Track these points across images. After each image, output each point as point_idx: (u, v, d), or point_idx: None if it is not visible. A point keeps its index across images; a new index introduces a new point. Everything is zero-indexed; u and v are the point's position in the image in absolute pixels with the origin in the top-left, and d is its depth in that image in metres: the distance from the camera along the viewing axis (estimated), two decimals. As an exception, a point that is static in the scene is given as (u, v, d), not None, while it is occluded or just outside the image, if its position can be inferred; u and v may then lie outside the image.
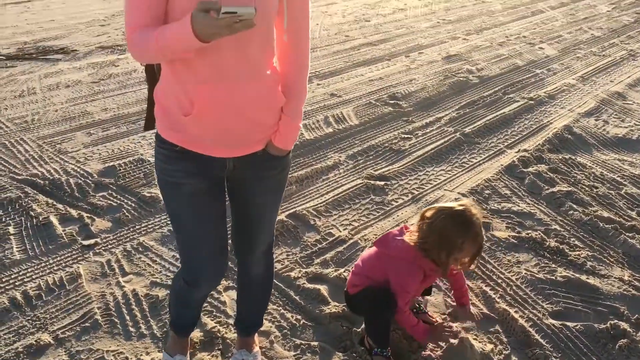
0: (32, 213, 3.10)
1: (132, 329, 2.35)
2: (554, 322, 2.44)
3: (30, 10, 8.08)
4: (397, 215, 3.23)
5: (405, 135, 4.24)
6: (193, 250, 1.85)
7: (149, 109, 1.81)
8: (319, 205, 3.28)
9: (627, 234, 3.05)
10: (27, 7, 8.31)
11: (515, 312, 2.49)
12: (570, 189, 3.49)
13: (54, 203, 3.22)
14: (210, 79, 1.56)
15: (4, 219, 3.07)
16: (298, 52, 1.71)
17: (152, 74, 1.77)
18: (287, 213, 3.18)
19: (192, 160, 1.69)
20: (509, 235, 3.03)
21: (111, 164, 3.67)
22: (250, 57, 1.58)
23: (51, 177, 3.47)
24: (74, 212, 3.12)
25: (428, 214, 2.18)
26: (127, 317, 2.41)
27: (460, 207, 2.14)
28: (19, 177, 3.47)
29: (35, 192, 3.32)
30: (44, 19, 7.56)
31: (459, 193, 3.43)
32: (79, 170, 3.57)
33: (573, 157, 3.93)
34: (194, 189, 1.73)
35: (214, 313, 2.45)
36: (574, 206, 3.31)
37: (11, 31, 6.88)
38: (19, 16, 7.73)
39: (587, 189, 3.52)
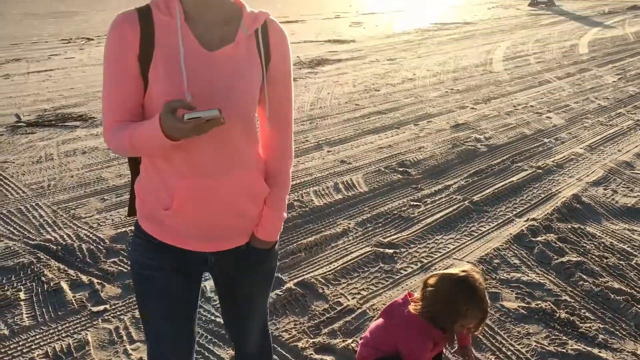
0: (43, 278, 3.13)
1: (137, 399, 2.33)
2: (566, 397, 2.39)
3: (52, 79, 8.37)
4: (406, 284, 3.22)
5: (414, 203, 4.28)
6: (157, 347, 1.70)
7: (131, 198, 1.73)
8: (327, 273, 3.28)
9: (638, 306, 3.01)
10: (49, 75, 8.62)
11: (526, 386, 2.44)
12: (580, 259, 3.48)
13: (66, 268, 3.25)
14: (191, 173, 1.51)
15: (15, 284, 3.10)
16: (281, 140, 1.66)
17: (135, 164, 1.68)
18: (295, 281, 3.18)
19: (170, 254, 1.61)
20: (518, 306, 3.00)
21: (123, 229, 3.72)
22: (232, 148, 1.53)
23: (64, 243, 3.52)
24: (84, 278, 3.15)
25: (431, 281, 2.19)
26: (133, 387, 2.40)
27: (463, 273, 2.15)
28: (33, 242, 3.53)
29: (47, 257, 3.36)
30: (64, 87, 7.83)
31: (467, 262, 3.43)
32: (91, 235, 3.62)
33: (582, 227, 3.93)
34: (168, 285, 1.63)
35: (220, 383, 2.43)
36: (584, 276, 3.29)
37: (33, 99, 7.12)
38: (41, 84, 8.01)
39: (597, 259, 3.50)
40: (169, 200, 1.54)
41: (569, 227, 3.92)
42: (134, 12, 1.46)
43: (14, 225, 3.79)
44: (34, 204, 4.13)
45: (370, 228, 3.88)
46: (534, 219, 4.01)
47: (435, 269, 3.38)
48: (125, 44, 1.44)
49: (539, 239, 3.73)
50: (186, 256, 1.61)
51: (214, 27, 1.49)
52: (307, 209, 4.13)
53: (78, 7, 19.53)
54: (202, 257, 1.64)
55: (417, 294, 2.28)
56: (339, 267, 3.36)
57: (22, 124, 6.05)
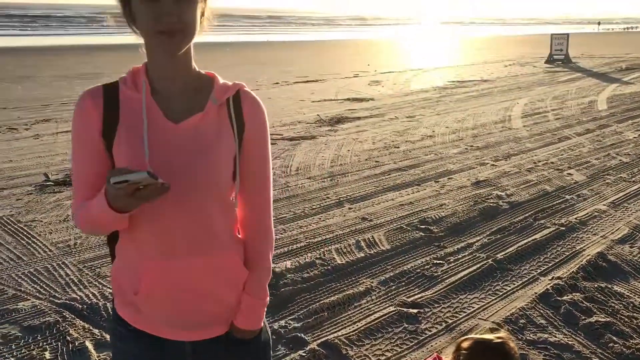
0: (68, 338, 3.16)
1: None
2: None
3: (79, 138, 8.62)
4: (431, 345, 3.18)
5: (437, 261, 4.26)
6: None
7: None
8: (351, 333, 3.26)
9: (672, 369, 2.93)
10: (77, 134, 8.87)
11: None
12: (608, 319, 3.42)
13: (91, 328, 3.27)
14: (157, 254, 1.43)
15: (41, 344, 3.12)
16: (258, 219, 1.56)
17: (112, 246, 1.59)
18: (318, 341, 3.16)
19: (145, 342, 1.51)
20: (547, 369, 2.94)
21: (147, 288, 3.75)
22: (204, 226, 1.45)
23: (89, 302, 3.56)
24: (109, 338, 3.16)
25: (464, 344, 2.17)
26: None
27: (499, 340, 2.12)
28: (58, 301, 3.57)
29: (73, 316, 3.39)
30: (91, 146, 8.05)
31: (493, 322, 3.38)
32: (116, 294, 3.65)
33: (609, 286, 3.87)
34: None
35: None
36: (614, 338, 3.22)
37: (61, 158, 7.31)
38: (69, 144, 8.20)
39: (626, 319, 3.43)
40: (137, 284, 1.46)
41: (596, 286, 3.86)
42: (99, 87, 1.45)
43: (41, 284, 3.84)
44: (60, 262, 4.19)
45: (394, 287, 3.86)
46: (559, 278, 3.96)
47: (460, 329, 3.33)
48: (87, 120, 1.42)
49: (565, 298, 3.68)
50: (162, 345, 1.51)
51: (182, 99, 1.45)
52: (329, 267, 4.14)
53: (104, 69, 20.16)
54: (178, 347, 1.53)
55: (447, 357, 2.25)
56: (362, 328, 3.33)
57: (50, 182, 6.19)
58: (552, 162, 7.11)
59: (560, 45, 22.92)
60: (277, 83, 16.45)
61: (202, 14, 1.43)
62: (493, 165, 7.01)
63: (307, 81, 16.88)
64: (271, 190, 1.58)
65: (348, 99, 12.99)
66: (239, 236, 1.56)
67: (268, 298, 1.62)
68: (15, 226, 4.95)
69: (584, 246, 4.54)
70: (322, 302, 3.63)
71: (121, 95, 1.44)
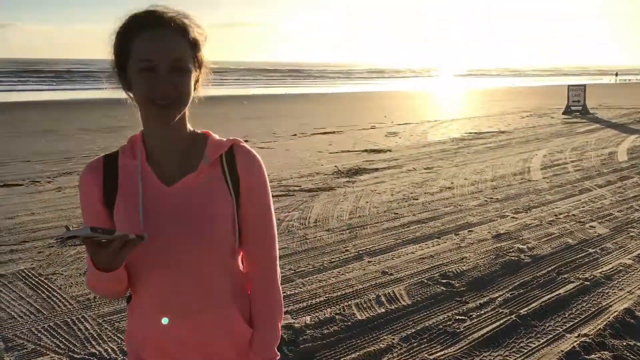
0: (86, 394, 3.12)
1: None
2: None
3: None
4: (455, 406, 3.08)
5: (460, 317, 4.18)
6: None
7: None
8: (372, 392, 3.18)
9: None
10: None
11: None
12: (639, 379, 3.30)
13: (109, 384, 3.24)
14: (158, 313, 1.48)
15: (58, 401, 3.09)
16: (261, 274, 1.58)
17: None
18: (340, 400, 3.09)
19: None
20: None
21: (166, 343, 3.72)
22: (203, 285, 1.48)
23: (108, 357, 3.53)
24: (127, 395, 3.12)
25: None
26: None
27: None
28: (78, 356, 3.55)
29: (91, 372, 3.36)
30: (112, 198, 8.15)
31: (519, 382, 3.29)
32: (134, 349, 3.63)
33: (639, 344, 3.75)
34: None
35: None
36: (646, 399, 3.10)
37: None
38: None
39: (658, 379, 3.32)
40: (143, 342, 1.53)
41: (625, 344, 3.75)
42: (100, 159, 1.54)
43: (60, 339, 3.83)
44: (80, 316, 4.18)
45: (415, 344, 3.78)
46: (585, 335, 3.85)
47: (485, 388, 3.24)
48: (89, 191, 1.51)
49: (593, 356, 3.58)
50: None
51: (176, 161, 1.50)
52: (349, 323, 4.08)
53: (127, 123, 20.56)
54: None
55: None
56: (384, 386, 3.25)
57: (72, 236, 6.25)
58: (574, 215, 7.03)
59: (578, 96, 23.00)
60: (295, 135, 16.64)
61: (197, 81, 1.50)
62: (513, 217, 6.94)
63: (325, 132, 17.06)
64: (275, 243, 1.60)
65: (365, 151, 13.07)
66: (246, 292, 1.59)
67: (278, 358, 1.60)
68: (36, 279, 4.98)
69: (611, 302, 4.44)
70: (342, 359, 3.56)
71: (120, 163, 1.52)
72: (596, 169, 10.25)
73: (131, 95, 1.49)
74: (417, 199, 8.00)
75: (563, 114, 22.58)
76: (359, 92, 46.20)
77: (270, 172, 10.19)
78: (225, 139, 1.55)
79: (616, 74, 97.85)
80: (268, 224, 1.58)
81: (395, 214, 7.19)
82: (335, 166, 10.87)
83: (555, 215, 7.04)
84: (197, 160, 1.50)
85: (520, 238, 6.08)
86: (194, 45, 1.45)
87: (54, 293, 4.66)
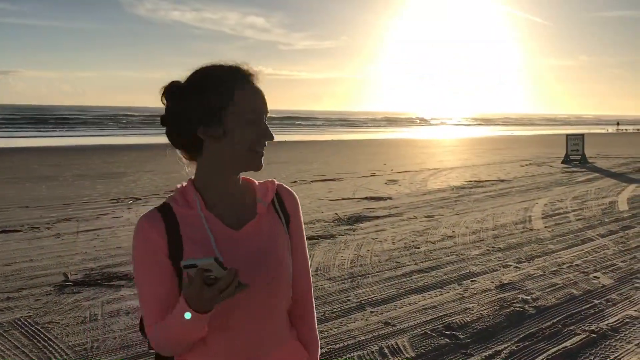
0: None
1: None
2: None
3: (100, 237, 8.67)
4: None
5: (465, 370, 4.08)
6: None
7: None
8: None
9: None
10: (97, 234, 8.93)
11: None
12: None
13: None
14: (226, 356, 1.52)
15: None
16: (307, 295, 1.72)
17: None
18: None
19: None
20: None
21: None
22: (274, 325, 1.58)
23: (103, 411, 3.42)
24: None
25: None
26: None
27: None
28: (72, 410, 3.44)
29: None
30: (111, 246, 8.08)
31: None
32: (131, 403, 3.52)
33: (650, 400, 3.65)
34: None
35: None
36: None
37: (81, 257, 7.33)
38: (89, 243, 8.29)
39: None
40: None
41: (635, 400, 3.65)
42: (154, 212, 1.52)
43: (54, 390, 3.72)
44: (75, 367, 4.08)
45: (420, 398, 3.68)
46: (595, 390, 3.75)
47: None
48: (153, 246, 1.48)
49: (603, 413, 3.47)
50: None
51: (234, 207, 1.58)
52: (352, 375, 3.98)
53: (127, 168, 20.68)
54: None
55: None
56: None
57: (69, 283, 6.17)
58: (577, 265, 6.96)
59: (577, 145, 23.17)
60: (295, 182, 16.67)
61: None
62: (516, 267, 6.87)
63: (325, 180, 17.09)
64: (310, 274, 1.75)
65: (366, 198, 13.06)
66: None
67: None
68: (32, 328, 4.89)
69: (619, 355, 4.34)
70: (345, 414, 3.45)
71: (177, 214, 1.52)
72: (597, 218, 10.23)
73: (221, 145, 1.52)
74: (418, 248, 7.94)
75: (562, 163, 22.70)
76: (358, 140, 46.58)
77: (271, 220, 10.15)
78: (264, 181, 1.68)
79: (617, 124, 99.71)
80: (307, 255, 1.72)
81: (397, 262, 7.12)
82: (336, 213, 10.84)
83: (559, 265, 6.97)
84: (252, 204, 1.60)
85: (524, 288, 6.00)
86: None
87: (50, 342, 4.56)
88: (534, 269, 6.77)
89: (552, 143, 37.30)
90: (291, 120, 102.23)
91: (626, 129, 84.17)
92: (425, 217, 10.56)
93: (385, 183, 16.21)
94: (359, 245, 8.09)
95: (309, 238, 8.52)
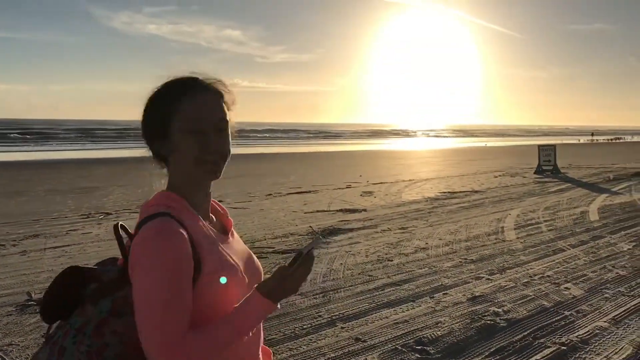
0: None
1: None
2: None
3: (68, 254, 8.47)
4: None
5: (435, 387, 4.02)
6: None
7: None
8: None
9: None
10: (65, 250, 8.73)
11: None
12: None
13: None
14: (254, 346, 1.65)
15: None
16: None
17: None
18: None
19: None
20: None
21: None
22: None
23: None
24: None
25: None
26: None
27: None
28: None
29: None
30: (80, 263, 7.88)
31: None
32: None
33: (618, 413, 3.63)
34: None
35: None
36: None
37: (46, 275, 7.13)
38: (56, 260, 8.08)
39: None
40: None
41: (604, 413, 3.62)
42: (173, 221, 1.45)
43: (10, 417, 3.57)
44: (33, 391, 3.93)
45: (389, 417, 3.61)
46: (564, 405, 3.72)
47: None
48: (187, 248, 1.42)
49: None
50: None
51: (211, 216, 1.68)
52: (320, 394, 3.89)
53: (99, 183, 20.40)
54: None
55: None
56: None
57: (32, 302, 5.99)
58: (548, 276, 6.98)
59: (549, 156, 23.49)
60: (270, 194, 16.57)
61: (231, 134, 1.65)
62: (488, 279, 6.87)
63: (301, 192, 17.03)
64: None
65: (341, 210, 13.02)
66: None
67: None
68: (-9, 350, 4.71)
69: (588, 368, 4.33)
70: None
71: (184, 222, 1.49)
72: (569, 228, 10.31)
73: (171, 160, 1.58)
74: (391, 260, 7.90)
75: (535, 173, 22.96)
76: (335, 152, 46.65)
77: (243, 234, 10.04)
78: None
79: (592, 134, 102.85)
80: None
81: (370, 276, 7.06)
82: (310, 226, 10.77)
83: (530, 276, 6.98)
84: (219, 213, 1.73)
85: (496, 301, 5.99)
86: (227, 108, 1.63)
87: (8, 366, 4.40)
88: (506, 281, 6.77)
89: (524, 154, 37.77)
90: (268, 132, 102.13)
91: (597, 139, 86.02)
92: (399, 229, 10.54)
93: (361, 195, 16.20)
94: (332, 259, 8.03)
95: (281, 252, 8.45)
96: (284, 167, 28.55)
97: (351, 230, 10.42)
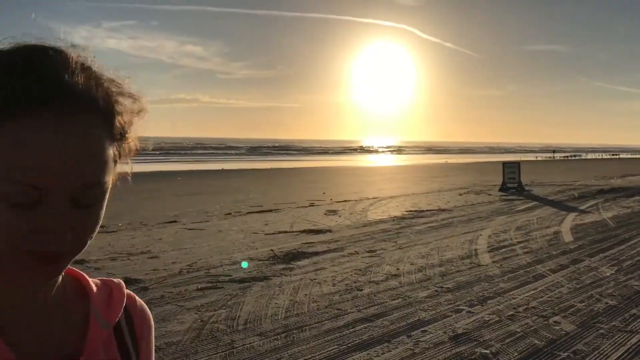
0: None
1: None
2: None
3: None
4: None
5: None
6: None
7: None
8: None
9: None
10: None
11: None
12: None
13: None
14: None
15: None
16: None
17: None
18: None
19: None
20: None
21: None
22: None
23: None
24: None
25: None
26: None
27: None
28: None
29: None
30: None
31: None
32: None
33: None
34: None
35: None
36: None
37: None
38: None
39: None
40: None
41: None
42: None
43: None
44: None
45: None
46: None
47: None
48: None
49: None
50: None
51: (43, 328, 0.82)
52: None
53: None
54: None
55: None
56: None
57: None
58: (534, 307, 6.35)
59: (513, 173, 23.25)
60: (229, 214, 15.70)
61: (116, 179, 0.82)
62: (469, 312, 6.19)
63: (261, 211, 16.20)
64: None
65: (304, 231, 12.25)
66: None
67: None
68: None
69: None
70: None
71: None
72: (545, 250, 9.78)
73: None
74: (361, 290, 7.16)
75: (500, 191, 22.67)
76: (297, 168, 45.93)
77: (198, 259, 9.18)
78: (104, 280, 0.93)
79: (554, 152, 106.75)
80: None
81: (338, 309, 6.31)
82: (272, 250, 9.97)
83: (514, 307, 6.34)
84: (81, 321, 0.86)
85: (481, 339, 5.30)
86: (121, 135, 0.79)
87: None
88: (489, 314, 6.11)
89: (486, 171, 37.72)
90: (228, 148, 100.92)
91: (554, 157, 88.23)
92: (367, 252, 9.83)
93: (325, 214, 15.48)
94: (296, 289, 7.24)
95: (239, 281, 7.63)
96: (244, 184, 27.65)
97: (316, 254, 9.66)
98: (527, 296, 6.82)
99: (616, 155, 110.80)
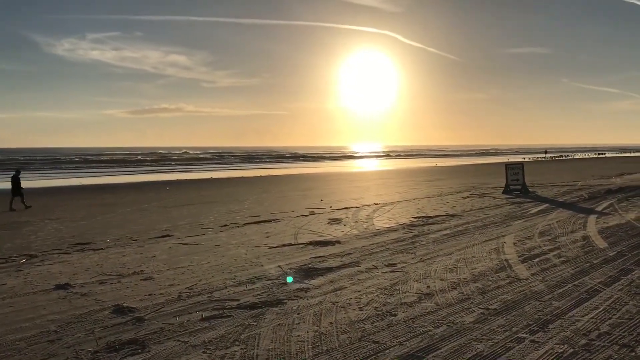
0: None
1: None
2: None
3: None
4: None
5: None
6: None
7: None
8: None
9: None
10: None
11: None
12: None
13: None
14: None
15: None
16: None
17: None
18: None
19: None
20: None
21: None
22: None
23: None
24: None
25: None
26: None
27: None
28: None
29: None
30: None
31: None
32: None
33: None
34: None
35: None
36: None
37: None
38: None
39: None
40: None
41: None
42: None
43: None
44: None
45: None
46: None
47: None
48: None
49: None
50: None
51: None
52: None
53: (30, 217, 17.98)
54: None
55: None
56: None
57: None
58: (607, 332, 5.34)
59: (516, 175, 22.43)
60: (225, 225, 14.62)
61: None
62: (534, 342, 5.16)
63: (260, 222, 15.13)
64: None
65: (311, 243, 11.20)
66: None
67: None
68: None
69: None
70: None
71: None
72: (583, 259, 8.81)
73: None
74: (395, 315, 6.12)
75: (503, 193, 21.79)
76: (289, 174, 44.86)
77: (198, 280, 8.09)
78: None
79: (545, 152, 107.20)
80: None
81: (375, 343, 5.26)
82: (279, 266, 8.91)
83: (584, 334, 5.32)
84: None
85: (565, 381, 4.28)
86: None
87: None
88: (559, 344, 5.08)
89: (479, 173, 37.00)
90: (217, 157, 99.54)
91: (545, 157, 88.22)
92: (387, 266, 8.79)
93: (328, 223, 14.43)
94: (318, 315, 6.19)
95: (249, 307, 6.55)
96: (237, 192, 26.54)
97: (330, 270, 8.61)
98: (592, 318, 5.82)
99: (602, 154, 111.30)
